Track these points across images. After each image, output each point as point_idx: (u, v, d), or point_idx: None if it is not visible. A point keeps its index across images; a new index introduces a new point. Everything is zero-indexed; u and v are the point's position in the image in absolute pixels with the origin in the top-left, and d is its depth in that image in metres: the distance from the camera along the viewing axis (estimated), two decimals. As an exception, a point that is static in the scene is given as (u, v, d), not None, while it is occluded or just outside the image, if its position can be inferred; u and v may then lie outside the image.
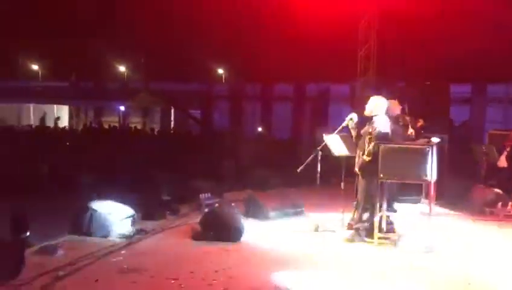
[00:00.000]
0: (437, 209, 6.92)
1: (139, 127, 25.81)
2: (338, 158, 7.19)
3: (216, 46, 24.26)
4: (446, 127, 10.64)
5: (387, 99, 7.20)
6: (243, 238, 6.37)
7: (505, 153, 8.82)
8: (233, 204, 7.75)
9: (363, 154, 6.26)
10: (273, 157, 13.95)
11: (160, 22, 24.78)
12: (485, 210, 8.29)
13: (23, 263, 4.90)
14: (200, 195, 8.35)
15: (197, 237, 6.35)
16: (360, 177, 6.42)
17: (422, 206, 6.88)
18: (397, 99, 7.45)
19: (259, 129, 22.52)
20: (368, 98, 6.63)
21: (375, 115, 6.35)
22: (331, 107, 23.36)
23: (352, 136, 6.70)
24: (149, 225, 7.04)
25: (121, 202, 6.85)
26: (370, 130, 6.28)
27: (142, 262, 5.34)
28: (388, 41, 13.15)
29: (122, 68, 31.00)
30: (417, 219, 6.66)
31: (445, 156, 9.01)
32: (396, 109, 7.28)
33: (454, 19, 13.17)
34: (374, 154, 6.13)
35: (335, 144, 6.95)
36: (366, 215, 6.37)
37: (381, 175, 6.09)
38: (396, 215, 6.90)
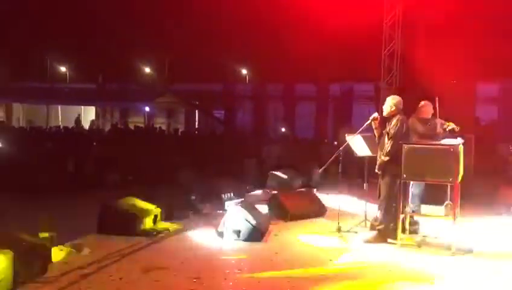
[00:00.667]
0: (462, 209, 6.79)
1: (163, 127, 26.07)
2: (361, 158, 7.15)
3: (239, 47, 24.34)
4: (472, 127, 10.46)
5: (422, 101, 7.13)
6: (265, 239, 6.39)
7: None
8: (256, 204, 7.79)
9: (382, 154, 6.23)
10: (295, 158, 13.92)
11: (184, 23, 25.00)
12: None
13: (51, 261, 5.03)
14: (223, 195, 8.41)
15: (219, 236, 6.40)
16: (381, 177, 6.36)
17: (449, 206, 6.74)
18: (430, 101, 7.32)
19: (283, 129, 22.49)
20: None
21: (394, 115, 6.30)
22: (355, 106, 23.18)
23: (375, 137, 6.66)
24: (172, 224, 7.11)
25: (145, 201, 6.96)
26: (387, 130, 6.24)
27: (165, 261, 5.42)
28: (413, 39, 12.99)
29: (147, 69, 31.37)
30: (443, 220, 6.55)
31: (471, 156, 8.85)
32: (429, 111, 7.17)
33: (480, 16, 12.93)
34: (393, 154, 6.08)
35: (357, 144, 6.92)
36: (389, 216, 6.31)
37: (405, 175, 6.03)
38: (421, 216, 6.81)
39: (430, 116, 7.16)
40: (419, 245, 6.20)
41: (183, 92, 27.61)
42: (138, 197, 7.12)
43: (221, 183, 9.25)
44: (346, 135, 6.96)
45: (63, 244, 5.78)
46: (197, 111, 28.93)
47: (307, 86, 25.34)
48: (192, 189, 9.32)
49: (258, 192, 9.97)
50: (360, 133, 6.74)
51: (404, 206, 6.22)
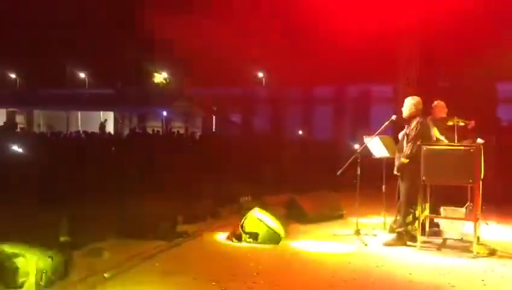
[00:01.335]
0: (483, 212, 6.69)
1: (181, 131, 26.26)
2: (379, 160, 7.10)
3: (257, 51, 24.40)
4: (493, 127, 10.30)
5: (435, 101, 7.07)
6: (283, 241, 6.38)
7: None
8: (273, 207, 7.78)
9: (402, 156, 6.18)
10: (313, 160, 13.88)
11: (202, 27, 25.17)
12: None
13: (72, 265, 5.10)
14: (241, 198, 8.42)
15: (237, 239, 6.42)
16: (400, 179, 6.31)
17: (469, 208, 6.67)
18: (444, 101, 7.25)
19: (300, 132, 22.44)
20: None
21: (413, 116, 6.25)
22: (373, 108, 23.02)
23: (393, 138, 6.60)
24: (191, 227, 7.16)
25: (164, 205, 7.01)
26: (408, 132, 6.19)
27: (184, 264, 5.45)
28: (431, 40, 12.86)
29: (164, 74, 31.67)
30: (463, 223, 6.46)
31: (492, 157, 8.71)
32: (443, 111, 7.10)
33: (500, 14, 12.74)
34: (412, 156, 6.03)
35: (375, 146, 6.87)
36: (408, 219, 6.25)
37: (424, 177, 5.97)
38: (441, 218, 6.72)
39: (444, 114, 7.10)
40: (439, 248, 6.12)
41: (201, 97, 27.79)
42: (156, 201, 7.18)
43: (239, 186, 9.27)
44: (364, 136, 6.93)
45: (83, 248, 5.87)
46: (214, 115, 29.08)
47: (324, 88, 25.28)
48: (209, 192, 9.37)
49: (276, 195, 9.95)
50: (378, 134, 6.69)
51: (423, 209, 6.15)
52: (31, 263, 4.42)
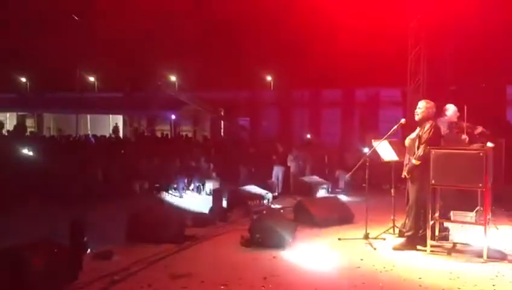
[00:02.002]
0: (493, 216, 6.64)
1: (189, 135, 26.32)
2: (387, 164, 7.07)
3: (264, 53, 24.42)
4: (503, 131, 10.22)
5: (446, 104, 7.04)
6: (291, 245, 6.37)
7: None
8: (281, 211, 7.78)
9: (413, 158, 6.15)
10: (322, 164, 13.86)
11: (209, 31, 25.25)
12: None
13: (81, 268, 5.13)
14: (249, 202, 8.43)
15: (246, 243, 6.42)
16: (410, 182, 6.28)
17: (479, 212, 6.61)
18: (455, 104, 7.21)
19: (308, 136, 22.39)
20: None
21: (426, 119, 6.23)
22: (381, 112, 22.93)
23: (402, 141, 6.58)
24: (199, 231, 7.17)
25: (172, 208, 7.04)
26: (420, 134, 6.17)
27: (193, 268, 5.46)
28: (439, 42, 12.82)
29: (172, 78, 31.78)
30: (473, 227, 6.41)
31: (502, 161, 8.65)
32: (454, 114, 7.06)
33: (509, 16, 12.66)
34: (424, 159, 6.00)
35: (384, 149, 6.85)
36: (418, 222, 6.21)
37: (433, 181, 5.94)
38: (451, 223, 6.68)
39: (455, 119, 7.05)
40: (449, 252, 6.08)
41: (209, 100, 27.83)
42: (165, 204, 7.22)
43: (247, 190, 9.28)
44: (372, 140, 6.90)
45: (92, 251, 5.90)
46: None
47: (332, 91, 25.21)
48: (218, 196, 9.39)
49: (284, 199, 9.96)
50: (386, 138, 6.67)
51: (433, 213, 6.11)
52: (43, 264, 4.46)
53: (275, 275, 5.24)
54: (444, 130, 6.87)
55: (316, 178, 11.17)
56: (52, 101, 30.79)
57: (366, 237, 6.60)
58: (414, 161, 6.14)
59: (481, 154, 5.79)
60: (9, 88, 33.54)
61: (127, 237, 6.55)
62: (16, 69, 32.85)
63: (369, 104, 23.89)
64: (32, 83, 35.12)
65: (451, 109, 7.14)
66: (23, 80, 35.61)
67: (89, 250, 5.88)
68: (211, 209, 8.56)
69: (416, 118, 6.34)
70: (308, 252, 6.20)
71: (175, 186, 12.61)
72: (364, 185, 6.68)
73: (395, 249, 6.23)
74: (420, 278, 5.17)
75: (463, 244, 6.38)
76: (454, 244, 6.40)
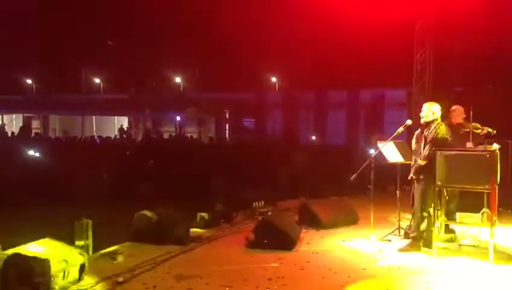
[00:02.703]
0: (500, 217, 6.60)
1: (194, 136, 26.36)
2: (393, 165, 7.05)
3: (270, 55, 24.44)
4: (510, 132, 10.14)
5: (453, 105, 7.00)
6: (296, 247, 6.35)
7: None
8: (286, 212, 7.76)
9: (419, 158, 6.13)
10: (327, 165, 13.82)
11: (214, 33, 25.29)
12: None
13: (86, 269, 5.13)
14: (254, 203, 8.41)
15: (251, 245, 6.40)
16: (416, 183, 6.26)
17: (486, 214, 6.57)
18: (462, 106, 7.16)
19: (313, 137, 22.38)
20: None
21: (432, 121, 6.20)
22: (387, 113, 22.87)
23: (407, 143, 6.55)
24: (204, 232, 7.17)
25: (176, 210, 7.03)
26: (426, 135, 6.14)
27: (198, 269, 5.45)
28: (446, 43, 12.76)
29: (178, 79, 31.86)
30: (480, 228, 6.37)
31: (509, 162, 8.59)
32: (460, 116, 7.02)
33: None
34: (430, 159, 5.97)
35: (389, 151, 6.82)
36: (423, 224, 6.18)
37: (439, 182, 5.91)
38: (457, 224, 6.64)
39: (461, 121, 7.01)
40: (455, 254, 6.04)
41: (215, 101, 27.86)
42: (170, 206, 7.21)
43: (252, 191, 9.26)
44: (378, 141, 6.88)
45: (98, 252, 5.91)
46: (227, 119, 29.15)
47: (337, 93, 25.19)
48: (222, 197, 9.37)
49: (289, 200, 9.93)
50: (392, 139, 6.65)
51: (439, 214, 6.07)
52: (47, 265, 4.47)
53: (280, 276, 5.23)
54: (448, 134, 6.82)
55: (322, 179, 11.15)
56: (58, 103, 30.94)
57: (372, 238, 6.57)
58: (420, 161, 6.12)
59: (487, 155, 5.76)
60: (16, 90, 33.75)
61: (132, 238, 6.55)
62: (22, 71, 33.05)
63: (374, 106, 23.84)
64: (38, 84, 35.31)
65: (457, 110, 7.09)
66: (29, 81, 35.81)
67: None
68: (216, 211, 8.55)
69: (422, 120, 6.33)
70: (313, 253, 6.18)
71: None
72: (369, 186, 6.65)
73: (400, 250, 6.20)
74: (426, 280, 5.14)
75: (469, 245, 6.34)
76: (461, 245, 6.36)
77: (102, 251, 5.96)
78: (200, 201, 9.04)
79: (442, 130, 6.20)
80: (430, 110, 6.26)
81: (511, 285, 5.03)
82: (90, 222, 5.94)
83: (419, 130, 6.35)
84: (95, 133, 28.09)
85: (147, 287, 4.88)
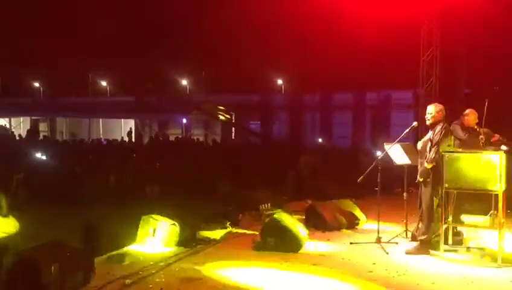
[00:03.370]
0: (508, 219, 6.55)
1: (201, 139, 26.39)
2: (400, 167, 7.02)
3: (275, 57, 24.45)
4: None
5: (467, 109, 6.97)
6: (303, 249, 6.34)
7: None
8: (293, 214, 7.75)
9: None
10: (333, 168, 13.78)
11: (221, 35, 25.35)
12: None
13: (93, 271, 5.15)
14: (260, 205, 8.41)
15: (257, 247, 6.40)
16: (423, 186, 6.23)
17: (493, 216, 6.53)
18: (475, 109, 7.12)
19: (320, 140, 22.34)
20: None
21: (437, 123, 6.18)
22: (393, 115, 22.80)
23: (414, 145, 6.53)
24: (210, 235, 7.17)
25: (183, 212, 7.04)
26: (431, 137, 6.12)
27: (204, 271, 5.45)
28: (452, 45, 12.73)
29: (184, 82, 31.92)
30: (487, 231, 6.33)
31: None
32: (474, 120, 6.98)
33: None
34: (436, 162, 5.95)
35: (396, 153, 6.80)
36: (431, 227, 6.15)
37: (446, 185, 5.88)
38: (465, 227, 6.60)
39: (474, 125, 6.96)
40: (463, 257, 6.00)
41: (221, 104, 27.88)
42: (177, 208, 7.21)
43: (258, 194, 9.26)
44: (384, 143, 6.86)
45: (105, 254, 5.92)
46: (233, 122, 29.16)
47: (343, 95, 25.12)
48: (229, 199, 9.37)
49: (296, 202, 9.92)
50: (398, 141, 6.63)
51: (446, 217, 6.04)
52: (55, 267, 4.48)
53: (287, 277, 5.22)
54: (461, 133, 6.79)
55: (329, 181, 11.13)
56: (65, 106, 31.09)
57: (379, 241, 6.54)
58: (426, 164, 6.09)
59: (495, 157, 5.73)
60: (23, 93, 33.97)
61: (138, 240, 6.56)
62: (29, 74, 33.29)
63: (380, 107, 23.76)
64: (45, 87, 35.53)
65: (470, 114, 7.05)
66: (37, 84, 36.03)
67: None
68: (222, 213, 8.55)
69: (427, 122, 6.31)
70: (320, 255, 6.17)
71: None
72: (376, 188, 6.63)
73: (408, 253, 6.17)
74: (433, 283, 5.11)
75: (477, 248, 6.31)
76: (468, 248, 6.33)
77: (110, 253, 5.98)
78: (207, 203, 9.05)
79: (448, 131, 6.16)
80: (434, 112, 6.24)
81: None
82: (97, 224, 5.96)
83: (430, 132, 6.28)
84: (101, 136, 28.20)
85: (153, 290, 4.89)
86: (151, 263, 5.72)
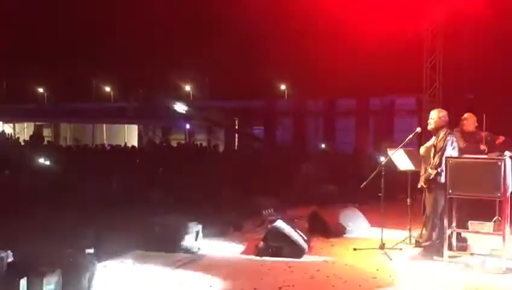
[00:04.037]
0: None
1: (204, 144, 26.42)
2: (403, 173, 7.00)
3: (278, 63, 24.49)
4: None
5: (465, 113, 6.96)
6: (306, 255, 6.32)
7: None
8: (296, 220, 7.73)
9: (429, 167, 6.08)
10: (336, 173, 13.75)
11: (224, 40, 25.41)
12: None
13: (96, 277, 5.14)
14: (263, 211, 8.39)
15: (260, 253, 6.38)
16: (426, 191, 6.20)
17: (498, 223, 6.50)
18: (474, 114, 7.10)
19: (323, 145, 22.32)
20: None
21: (440, 128, 6.16)
22: (396, 120, 22.77)
23: (418, 150, 6.51)
24: (213, 240, 7.16)
25: (186, 217, 7.03)
26: (435, 143, 6.10)
27: (208, 278, 5.43)
28: (456, 50, 12.72)
29: (187, 88, 32.00)
30: (491, 237, 6.29)
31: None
32: (472, 124, 6.96)
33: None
34: (440, 168, 5.92)
35: (400, 158, 6.78)
36: (435, 233, 6.12)
37: (450, 190, 5.85)
38: (469, 233, 6.56)
39: (473, 129, 6.94)
40: (467, 263, 5.97)
41: (224, 110, 27.92)
42: (180, 213, 7.21)
43: (261, 199, 9.24)
44: (388, 149, 6.85)
45: (107, 260, 5.92)
46: (236, 128, 29.18)
47: (347, 100, 25.12)
48: (232, 205, 9.35)
49: (299, 208, 9.89)
50: (402, 147, 6.61)
51: (450, 223, 6.02)
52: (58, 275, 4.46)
53: (290, 285, 5.20)
54: (461, 142, 6.77)
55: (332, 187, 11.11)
56: (69, 111, 31.23)
57: (382, 247, 6.51)
58: (430, 170, 6.07)
59: (499, 163, 5.71)
60: (27, 99, 34.14)
61: (142, 246, 6.56)
62: (33, 80, 33.46)
63: (384, 113, 23.73)
64: (49, 93, 35.69)
65: (469, 119, 7.03)
66: (41, 90, 36.20)
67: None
68: (225, 219, 8.54)
69: (429, 127, 6.29)
70: (322, 262, 6.14)
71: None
72: (379, 194, 6.61)
73: (411, 259, 6.14)
74: (437, 289, 5.08)
75: (481, 255, 6.26)
76: (472, 254, 6.29)
77: (112, 259, 5.97)
78: (210, 209, 9.03)
79: (451, 138, 6.14)
80: (437, 118, 6.22)
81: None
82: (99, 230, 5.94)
83: (433, 138, 6.25)
84: (105, 141, 28.27)
85: (156, 296, 4.88)
86: (154, 269, 5.70)
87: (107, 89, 34.38)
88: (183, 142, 27.14)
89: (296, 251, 6.26)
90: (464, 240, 6.55)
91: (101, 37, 28.20)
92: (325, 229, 7.51)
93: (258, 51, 24.57)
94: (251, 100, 27.43)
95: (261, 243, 6.49)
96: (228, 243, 7.13)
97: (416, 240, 6.64)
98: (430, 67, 12.84)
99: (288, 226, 6.52)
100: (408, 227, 6.94)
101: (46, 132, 32.22)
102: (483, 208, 6.32)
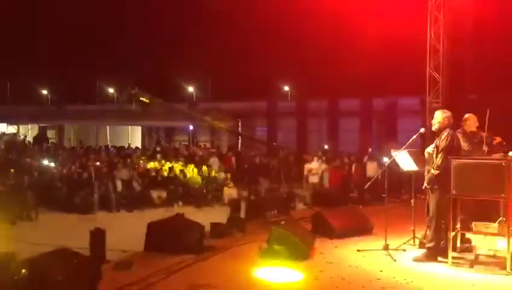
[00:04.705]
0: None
1: (207, 145, 26.42)
2: (407, 174, 7.00)
3: (281, 63, 24.49)
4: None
5: (466, 114, 6.95)
6: (310, 256, 6.31)
7: None
8: (300, 222, 7.74)
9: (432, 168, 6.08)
10: (339, 174, 13.75)
11: (227, 41, 25.44)
12: None
13: (101, 278, 5.16)
14: (267, 213, 8.40)
15: (264, 254, 6.37)
16: (430, 193, 6.20)
17: (502, 223, 6.47)
18: (475, 114, 7.09)
19: (326, 146, 22.29)
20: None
21: (443, 129, 6.15)
22: (400, 121, 22.71)
23: (421, 151, 6.50)
24: (218, 242, 7.17)
25: (190, 219, 7.05)
26: (438, 144, 6.09)
27: (211, 279, 5.45)
28: (459, 51, 12.68)
29: (190, 89, 32.01)
30: (496, 238, 6.28)
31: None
32: (474, 124, 6.95)
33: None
34: (443, 168, 5.92)
35: (403, 159, 6.78)
36: (439, 234, 6.11)
37: (454, 191, 5.84)
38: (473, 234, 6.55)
39: (475, 129, 6.93)
40: (471, 264, 5.96)
41: (227, 110, 27.91)
42: (185, 214, 7.23)
43: (265, 201, 9.26)
44: (391, 150, 6.84)
45: (112, 261, 5.94)
46: (240, 129, 29.17)
47: (350, 101, 25.06)
48: (237, 207, 9.38)
49: (303, 210, 9.91)
50: (406, 148, 6.61)
51: (454, 224, 6.01)
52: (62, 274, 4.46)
53: (294, 285, 5.21)
54: (464, 143, 6.76)
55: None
56: (73, 113, 31.30)
57: (386, 248, 6.51)
58: (433, 171, 6.06)
59: (503, 164, 5.69)
60: (31, 100, 34.26)
61: (146, 247, 6.57)
62: (37, 81, 33.58)
63: (387, 114, 23.68)
64: (53, 95, 35.80)
65: (470, 119, 7.03)
66: (45, 92, 36.33)
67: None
68: (229, 220, 8.55)
69: (433, 128, 6.29)
70: (326, 263, 6.14)
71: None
72: (383, 195, 6.60)
73: (415, 260, 6.13)
74: (442, 290, 5.08)
75: (485, 255, 6.26)
76: (477, 255, 6.28)
77: (117, 260, 5.99)
78: (214, 210, 9.06)
79: (454, 138, 6.14)
80: (440, 119, 6.22)
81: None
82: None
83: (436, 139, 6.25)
84: (109, 143, 28.30)
85: (160, 297, 4.88)
86: (158, 269, 5.72)
87: (111, 90, 34.46)
88: (186, 143, 27.16)
89: (300, 253, 6.24)
90: (468, 241, 6.54)
91: (105, 38, 28.30)
92: (329, 230, 7.49)
93: (261, 52, 24.58)
94: (254, 101, 27.41)
95: (265, 244, 6.49)
96: (232, 244, 7.13)
97: (420, 241, 6.63)
98: (433, 68, 12.81)
99: (293, 227, 6.52)
100: (412, 228, 6.94)
101: (50, 134, 32.29)
102: (488, 209, 6.30)
